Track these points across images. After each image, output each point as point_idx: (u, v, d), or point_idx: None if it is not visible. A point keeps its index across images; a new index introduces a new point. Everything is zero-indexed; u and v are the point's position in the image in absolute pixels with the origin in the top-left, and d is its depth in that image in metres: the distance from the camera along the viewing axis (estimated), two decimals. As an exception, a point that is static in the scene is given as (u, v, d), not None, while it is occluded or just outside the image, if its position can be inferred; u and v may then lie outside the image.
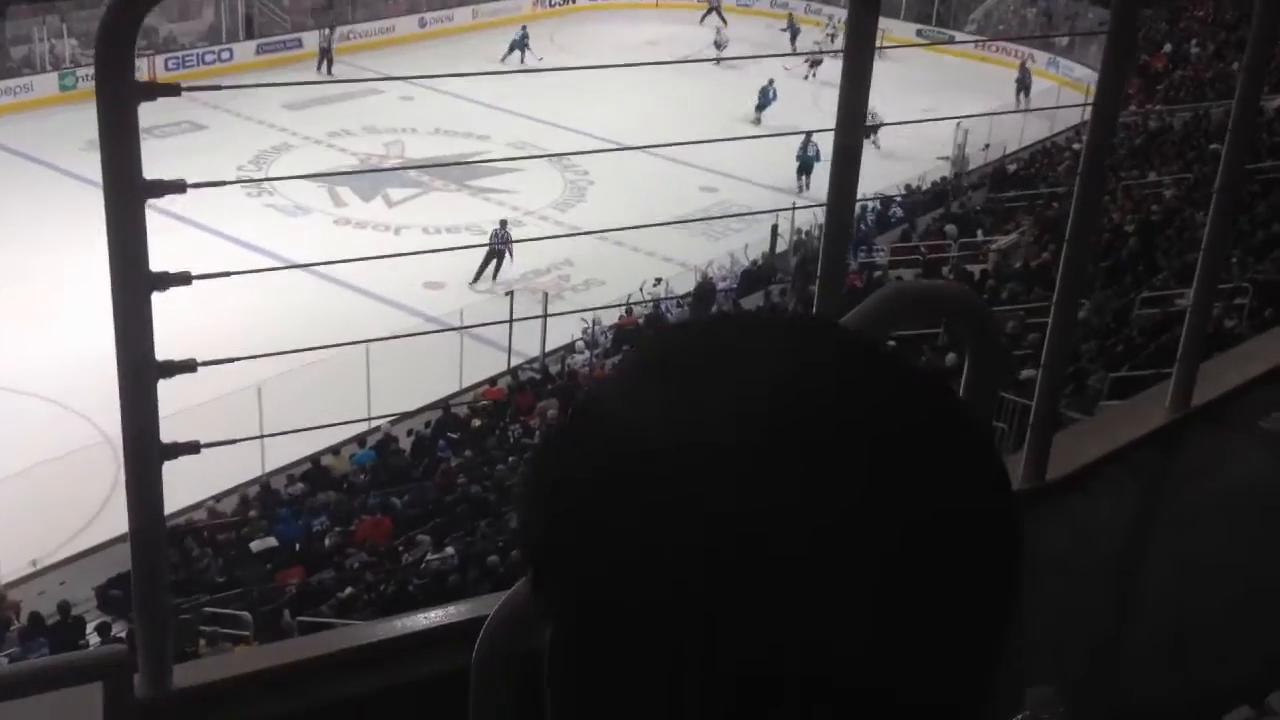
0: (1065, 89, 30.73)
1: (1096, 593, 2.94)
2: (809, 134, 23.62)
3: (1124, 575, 3.08)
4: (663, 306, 19.85)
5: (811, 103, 28.85)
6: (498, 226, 21.57)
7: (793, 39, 36.29)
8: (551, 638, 0.71)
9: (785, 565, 0.62)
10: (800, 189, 25.18)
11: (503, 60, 32.18)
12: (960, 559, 0.65)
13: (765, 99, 29.51)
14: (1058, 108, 27.03)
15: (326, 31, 32.68)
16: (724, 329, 0.72)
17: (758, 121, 29.16)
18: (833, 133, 2.58)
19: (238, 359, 2.18)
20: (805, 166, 25.19)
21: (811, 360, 0.68)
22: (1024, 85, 31.26)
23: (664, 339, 0.72)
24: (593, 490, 0.67)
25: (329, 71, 30.93)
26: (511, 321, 18.12)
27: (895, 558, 0.63)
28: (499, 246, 21.08)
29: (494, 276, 21.45)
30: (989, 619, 0.66)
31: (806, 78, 31.12)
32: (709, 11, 38.95)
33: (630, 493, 0.65)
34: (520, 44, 33.40)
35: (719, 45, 33.60)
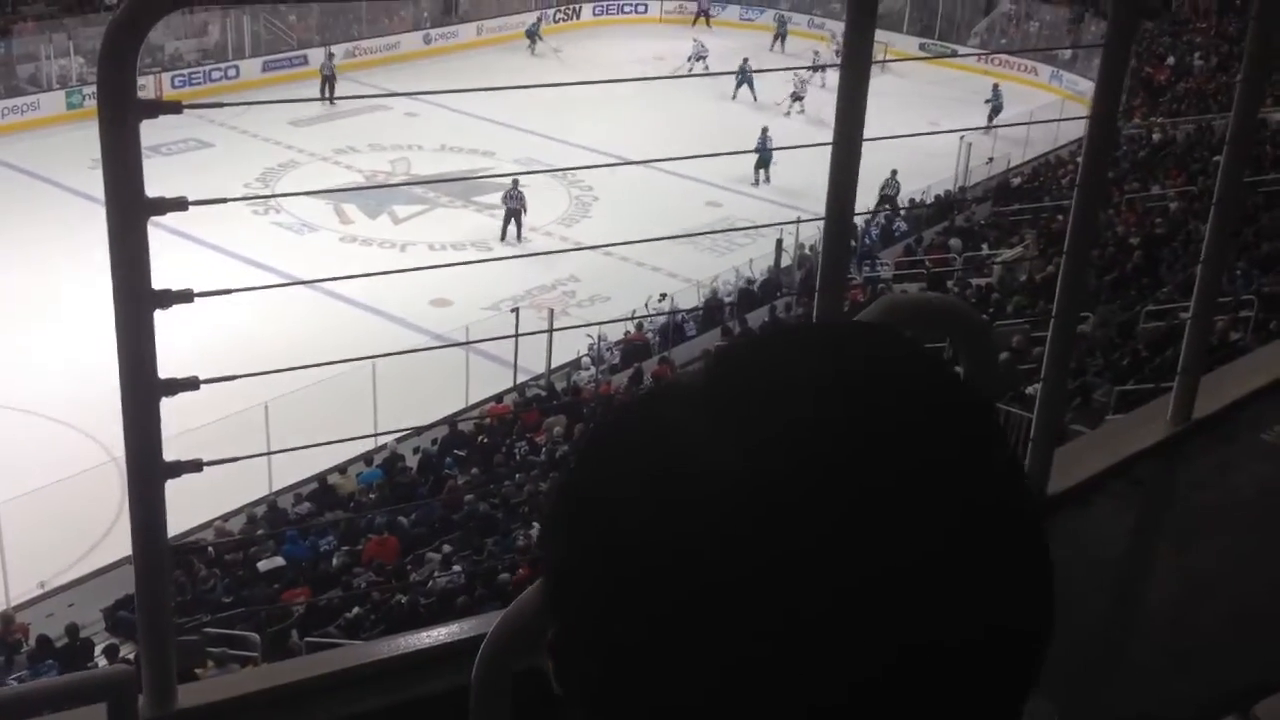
0: (1069, 102, 30.74)
1: (1097, 605, 2.94)
2: (764, 129, 25.83)
3: (1125, 588, 3.08)
4: (669, 321, 19.86)
5: (810, 122, 28.88)
6: (509, 186, 22.62)
7: (779, 41, 37.04)
8: (559, 642, 0.70)
9: (811, 615, 0.62)
10: (757, 182, 26.57)
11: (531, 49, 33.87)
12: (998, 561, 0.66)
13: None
14: (1056, 120, 27.05)
15: (328, 59, 32.47)
16: (767, 348, 0.71)
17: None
18: (830, 146, 2.59)
19: (240, 376, 2.19)
20: (764, 160, 26.28)
21: (855, 391, 0.67)
22: (995, 109, 29.71)
23: (734, 357, 0.71)
24: (622, 512, 0.66)
25: (331, 99, 30.58)
26: (517, 337, 18.13)
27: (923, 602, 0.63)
28: (514, 206, 22.82)
29: (518, 236, 22.83)
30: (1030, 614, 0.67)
31: (788, 114, 30.83)
32: (699, 15, 39.62)
33: (660, 516, 0.64)
34: (533, 33, 34.90)
35: (698, 59, 34.08)
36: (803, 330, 0.73)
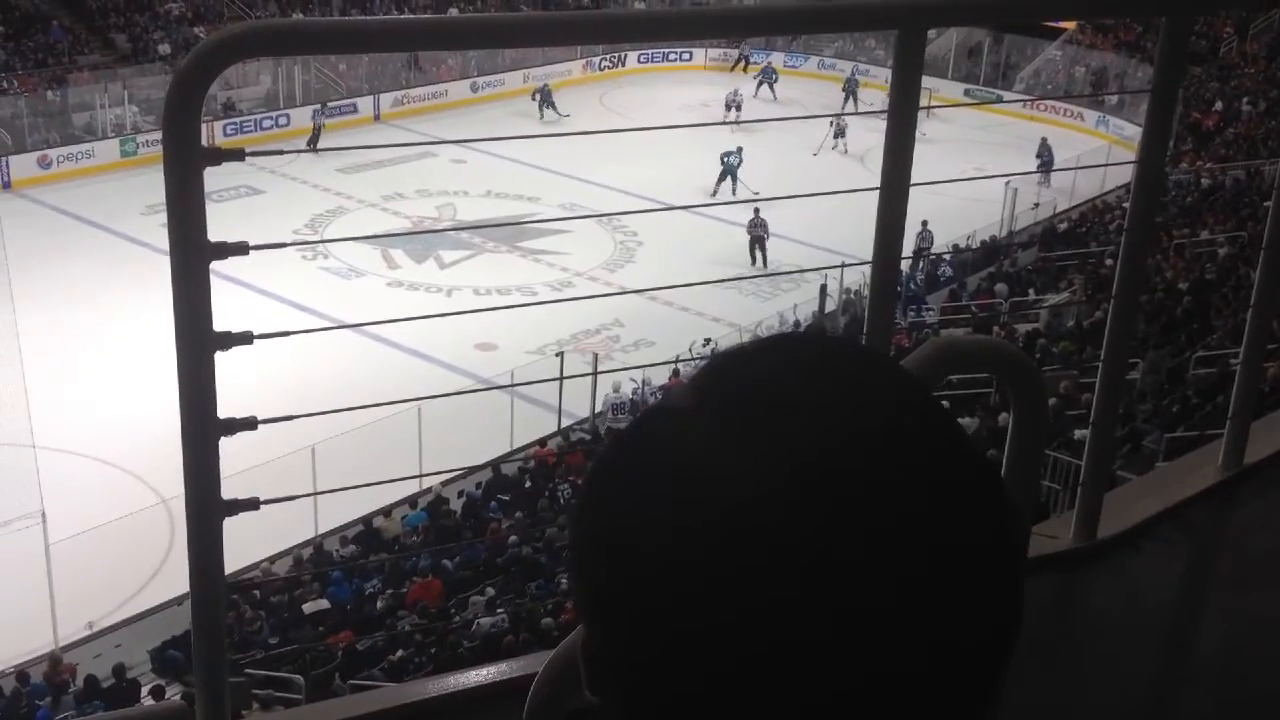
0: (1115, 147, 30.61)
1: (1147, 651, 2.91)
2: (739, 149, 27.76)
3: (1175, 633, 3.05)
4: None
5: (860, 163, 28.94)
6: (753, 215, 23.93)
7: (849, 100, 36.03)
8: (598, 668, 0.73)
9: (845, 618, 0.65)
10: (715, 193, 27.77)
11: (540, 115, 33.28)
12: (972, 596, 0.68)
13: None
14: (1103, 165, 26.89)
15: (318, 112, 32.49)
16: (788, 368, 0.73)
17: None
18: (877, 191, 2.61)
19: (298, 416, 2.23)
20: (728, 171, 27.96)
21: (870, 417, 0.70)
22: (1045, 163, 28.89)
23: (720, 374, 0.74)
24: (655, 531, 0.68)
25: (315, 150, 29.91)
26: (561, 379, 18.19)
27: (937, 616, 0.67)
28: (757, 233, 24.07)
29: (764, 263, 23.76)
30: (996, 646, 0.69)
31: (835, 148, 31.27)
32: (738, 61, 39.63)
33: (657, 517, 0.68)
34: (545, 99, 34.48)
35: (735, 106, 34.02)
36: (787, 344, 0.75)
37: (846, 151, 31.26)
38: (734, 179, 28.19)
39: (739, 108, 33.74)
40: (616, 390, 18.71)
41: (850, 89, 36.25)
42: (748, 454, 0.67)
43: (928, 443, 0.70)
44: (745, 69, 39.91)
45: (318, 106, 32.96)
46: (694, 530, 0.67)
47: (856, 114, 30.14)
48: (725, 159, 27.68)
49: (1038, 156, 29.40)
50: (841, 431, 0.68)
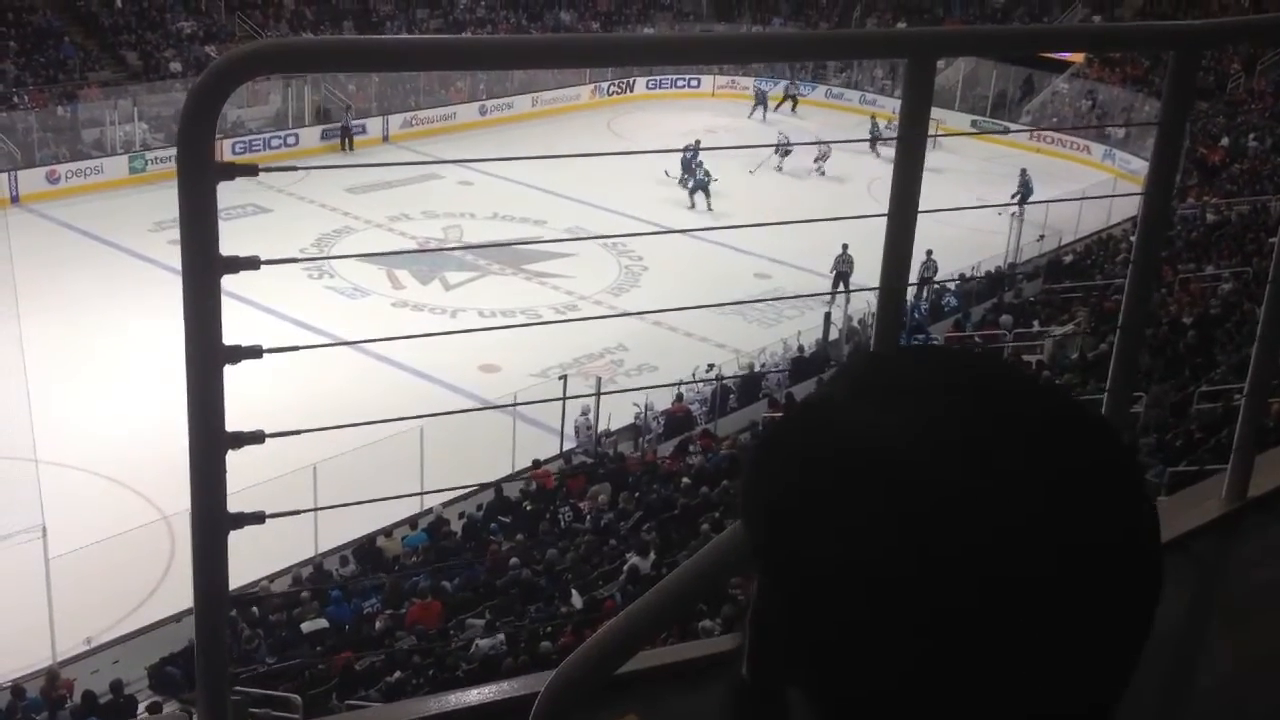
0: (1122, 181, 30.68)
1: (1149, 683, 2.90)
2: (700, 158, 28.60)
3: (1178, 666, 3.05)
4: (715, 391, 19.87)
5: (864, 190, 29.02)
6: (840, 251, 23.80)
7: (873, 145, 35.61)
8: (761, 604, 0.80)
9: (999, 586, 0.71)
10: (692, 205, 29.03)
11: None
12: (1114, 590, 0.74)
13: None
14: (1109, 196, 26.96)
15: (347, 111, 34.51)
16: (930, 360, 0.82)
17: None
18: (885, 218, 2.62)
19: (306, 431, 2.24)
20: (701, 186, 28.99)
21: (1024, 410, 0.77)
22: (1023, 195, 28.99)
23: (881, 362, 0.82)
24: (807, 481, 0.76)
25: (350, 147, 33.53)
26: (564, 399, 18.21)
27: (1065, 586, 0.72)
28: (843, 269, 23.92)
29: (846, 297, 23.24)
30: (1131, 642, 0.76)
31: (820, 170, 31.68)
32: (786, 99, 39.17)
33: (835, 486, 0.75)
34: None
35: (784, 153, 32.19)
36: (964, 355, 0.82)
37: (824, 174, 31.89)
38: (706, 194, 29.30)
39: (787, 154, 32.09)
40: (584, 414, 18.71)
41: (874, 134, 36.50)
42: (913, 434, 0.74)
43: (1075, 429, 0.77)
44: (794, 108, 39.24)
45: (347, 107, 34.39)
46: (860, 493, 0.74)
47: (861, 138, 30.30)
48: (689, 158, 28.23)
49: (1019, 188, 29.54)
50: (997, 417, 0.76)
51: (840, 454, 0.75)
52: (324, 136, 33.94)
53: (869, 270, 2.93)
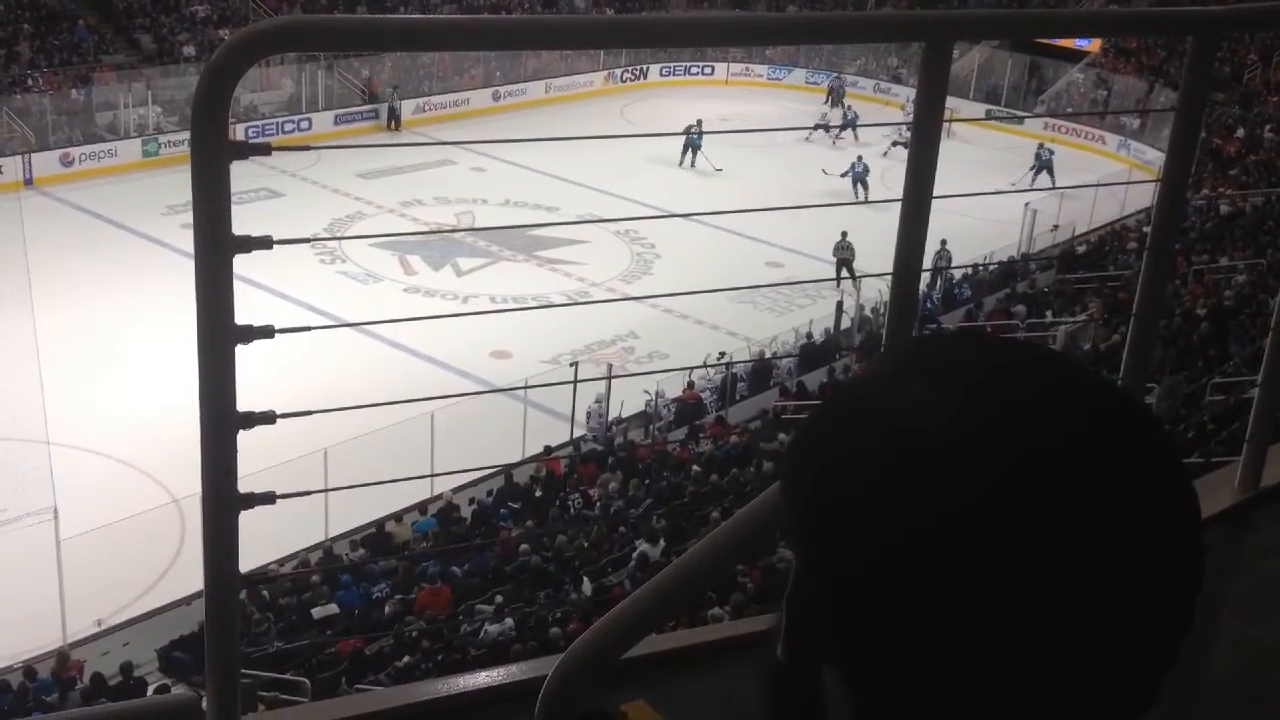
0: (1136, 171, 30.57)
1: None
2: (700, 120, 29.47)
3: (1188, 657, 3.04)
4: (725, 379, 19.87)
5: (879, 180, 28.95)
6: (839, 238, 24.00)
7: (835, 104, 36.67)
8: (801, 581, 0.80)
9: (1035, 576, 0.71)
10: (681, 163, 30.48)
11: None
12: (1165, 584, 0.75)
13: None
14: (1124, 183, 26.87)
15: (393, 92, 34.91)
16: (971, 343, 0.82)
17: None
18: (899, 205, 2.61)
19: (317, 411, 2.24)
20: (691, 144, 29.74)
21: (1069, 395, 0.77)
22: (1044, 165, 30.83)
23: (929, 343, 0.82)
24: (856, 459, 0.76)
25: (397, 126, 34.23)
26: (575, 383, 18.22)
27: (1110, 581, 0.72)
28: (844, 256, 24.05)
29: (854, 282, 23.18)
30: (1172, 634, 0.77)
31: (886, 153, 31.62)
32: (830, 96, 38.44)
33: (885, 465, 0.74)
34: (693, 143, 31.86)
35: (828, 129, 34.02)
36: (1002, 341, 0.83)
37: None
38: (694, 151, 30.32)
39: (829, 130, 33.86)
40: (599, 401, 18.70)
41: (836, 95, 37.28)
42: (962, 416, 0.74)
43: (1119, 418, 0.76)
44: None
45: (393, 88, 34.93)
46: (909, 472, 0.73)
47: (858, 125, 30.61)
48: (687, 131, 28.41)
49: (1035, 163, 30.41)
50: (1043, 402, 0.75)
51: (889, 435, 0.75)
52: (336, 122, 33.93)
53: (882, 257, 2.92)
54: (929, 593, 0.72)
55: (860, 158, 29.47)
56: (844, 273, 23.85)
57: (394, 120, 34.51)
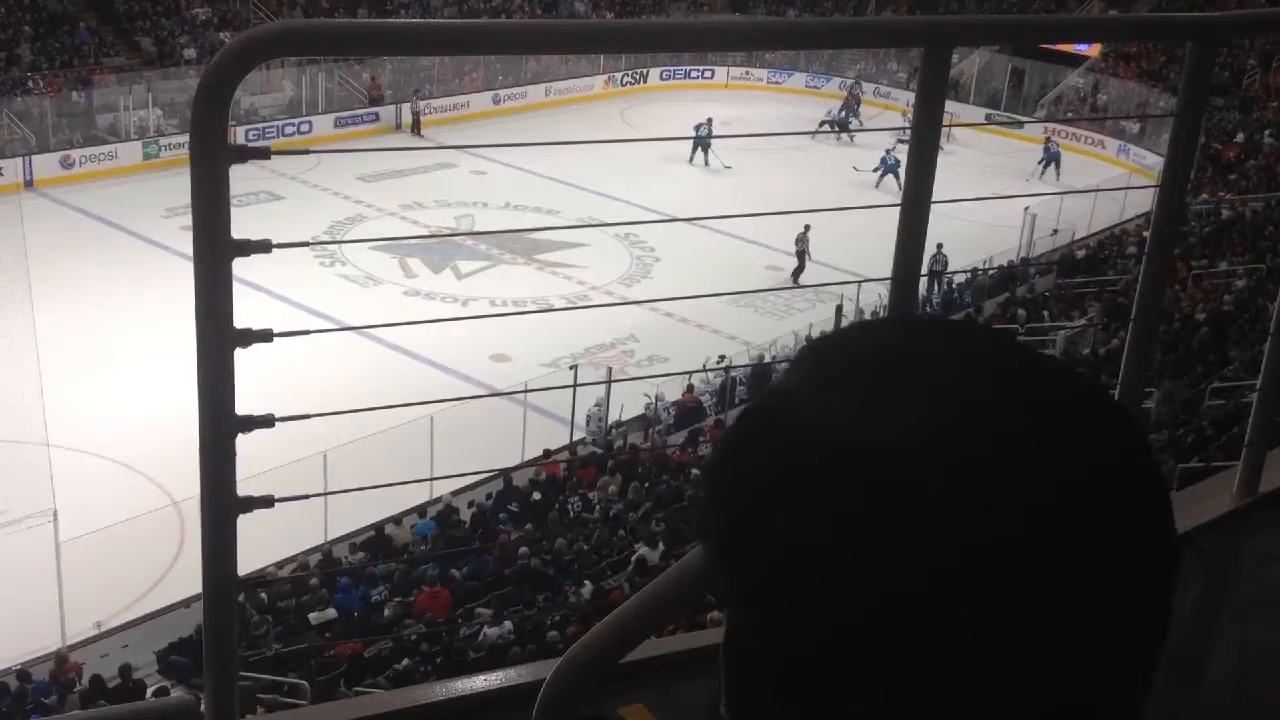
0: (1136, 176, 30.60)
1: (1156, 678, 2.89)
2: (710, 119, 30.14)
3: (1186, 661, 3.04)
4: (725, 383, 19.87)
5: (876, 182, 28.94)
6: (800, 231, 24.29)
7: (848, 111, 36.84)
8: (735, 625, 0.73)
9: (966, 579, 0.63)
10: (691, 160, 30.76)
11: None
12: (1131, 588, 0.67)
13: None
14: (1124, 189, 26.88)
15: (414, 97, 35.07)
16: (910, 335, 0.73)
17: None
18: (898, 209, 2.62)
19: (315, 415, 2.24)
20: (701, 142, 29.81)
21: (1001, 378, 0.69)
22: (1052, 158, 31.53)
23: (846, 343, 0.74)
24: (778, 488, 0.67)
25: (419, 132, 34.33)
26: (575, 386, 18.21)
27: (1072, 587, 0.64)
28: (802, 248, 24.49)
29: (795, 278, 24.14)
30: (1149, 636, 0.69)
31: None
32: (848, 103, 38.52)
33: (815, 492, 0.66)
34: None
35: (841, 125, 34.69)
36: (934, 324, 0.75)
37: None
38: (705, 149, 30.51)
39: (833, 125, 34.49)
40: (598, 405, 18.70)
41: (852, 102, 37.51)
42: (884, 417, 0.66)
43: (1082, 416, 0.68)
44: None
45: (415, 90, 35.28)
46: (843, 498, 0.65)
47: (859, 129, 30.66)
48: (697, 130, 29.24)
49: (1044, 156, 30.93)
50: (963, 391, 0.67)
51: (817, 457, 0.67)
52: (337, 125, 33.94)
53: (877, 259, 2.92)
54: (871, 629, 0.64)
55: (890, 149, 28.79)
56: (801, 264, 24.53)
57: (415, 124, 34.55)
